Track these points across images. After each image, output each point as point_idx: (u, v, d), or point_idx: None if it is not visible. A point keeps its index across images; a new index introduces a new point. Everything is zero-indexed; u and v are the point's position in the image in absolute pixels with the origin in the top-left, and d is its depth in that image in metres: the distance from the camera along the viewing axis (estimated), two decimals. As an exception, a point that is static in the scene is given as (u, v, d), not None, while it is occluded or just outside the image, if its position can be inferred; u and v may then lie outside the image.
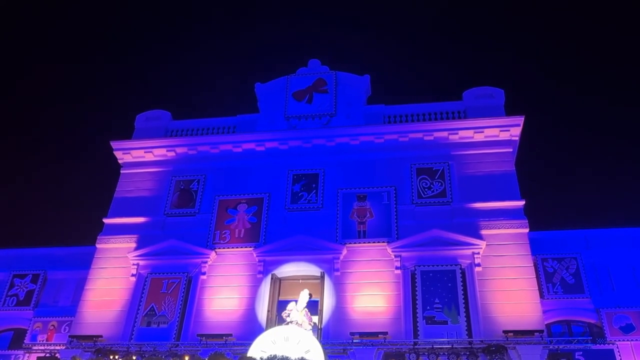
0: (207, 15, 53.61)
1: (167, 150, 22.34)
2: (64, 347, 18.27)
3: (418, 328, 16.76)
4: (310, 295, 17.96)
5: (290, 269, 18.94)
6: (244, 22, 53.12)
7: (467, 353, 15.83)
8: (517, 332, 16.02)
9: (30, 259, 22.23)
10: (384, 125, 21.15)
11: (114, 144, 22.63)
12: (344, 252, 18.71)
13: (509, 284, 17.24)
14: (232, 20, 53.27)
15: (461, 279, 17.43)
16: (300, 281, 18.66)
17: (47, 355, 18.46)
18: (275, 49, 52.51)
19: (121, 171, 22.49)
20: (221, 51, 55.33)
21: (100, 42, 53.61)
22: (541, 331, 16.04)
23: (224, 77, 53.43)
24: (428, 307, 17.06)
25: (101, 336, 17.97)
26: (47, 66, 53.56)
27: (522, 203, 18.84)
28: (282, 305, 18.20)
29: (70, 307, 20.23)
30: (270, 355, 14.17)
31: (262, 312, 18.04)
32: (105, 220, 21.11)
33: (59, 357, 18.00)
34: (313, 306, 17.93)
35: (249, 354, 15.19)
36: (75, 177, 51.08)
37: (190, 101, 50.74)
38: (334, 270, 18.40)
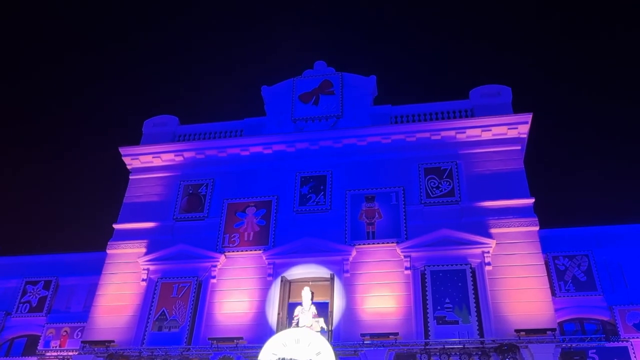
0: (213, 20, 53.92)
1: (175, 155, 22.44)
2: (76, 353, 18.42)
3: (429, 328, 16.68)
4: (312, 293, 17.95)
5: (299, 271, 18.92)
6: (249, 25, 53.34)
7: (479, 353, 15.74)
8: (529, 331, 15.89)
9: (42, 266, 22.38)
10: (391, 126, 21.11)
11: (123, 150, 22.78)
12: (353, 253, 18.68)
13: (520, 282, 17.13)
14: (238, 24, 53.52)
15: (471, 278, 17.34)
16: (310, 283, 18.63)
17: (60, 361, 18.62)
18: (281, 52, 52.69)
19: (130, 177, 22.64)
20: (227, 55, 55.65)
21: (107, 48, 54.08)
22: (553, 330, 15.90)
23: (230, 81, 53.73)
24: (439, 307, 16.98)
25: (113, 341, 18.06)
26: (56, 74, 54.09)
27: (531, 201, 18.71)
28: (292, 307, 18.21)
29: (82, 313, 20.40)
30: (279, 358, 14.22)
31: (273, 315, 18.04)
32: (115, 226, 21.24)
33: (71, 362, 18.14)
34: (323, 308, 17.94)
35: (260, 357, 15.23)
36: (85, 184, 51.53)
37: (197, 106, 51.04)
38: (344, 272, 18.38)
